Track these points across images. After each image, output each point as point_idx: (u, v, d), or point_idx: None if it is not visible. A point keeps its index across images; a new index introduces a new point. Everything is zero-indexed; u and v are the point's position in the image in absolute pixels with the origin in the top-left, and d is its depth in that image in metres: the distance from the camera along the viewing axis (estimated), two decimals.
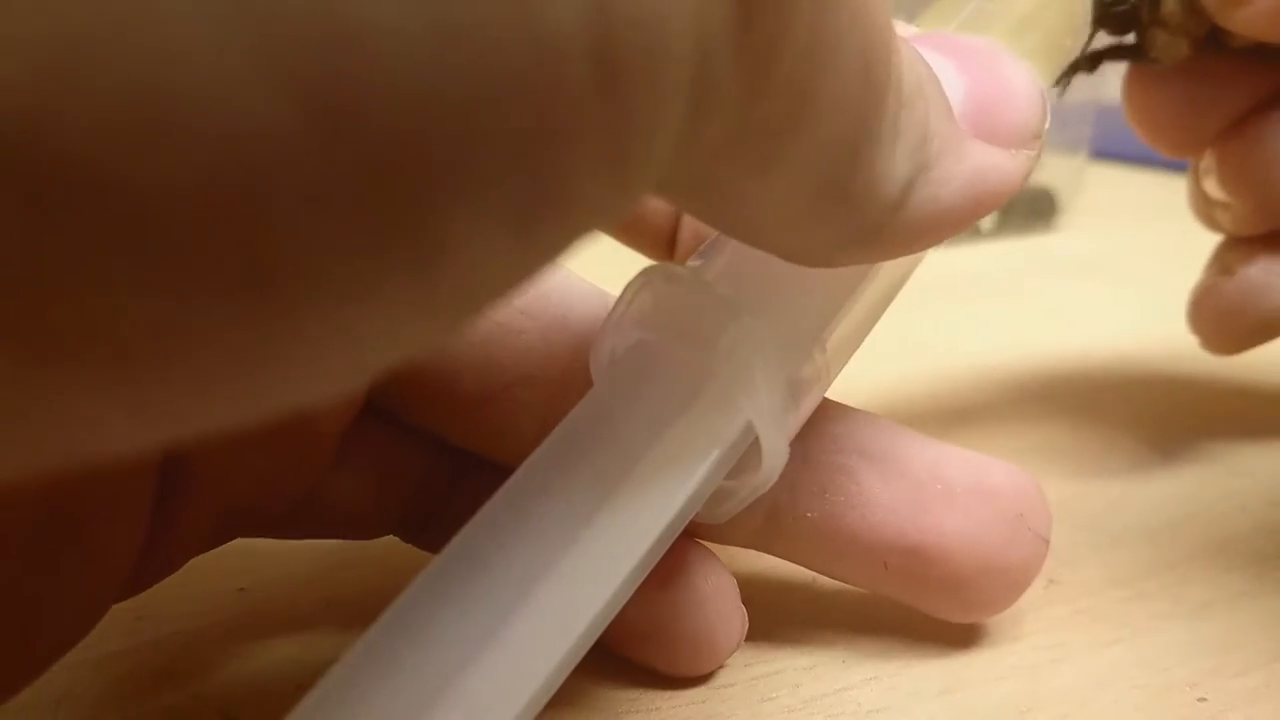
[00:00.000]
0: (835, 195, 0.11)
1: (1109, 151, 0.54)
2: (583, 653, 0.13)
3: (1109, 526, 0.21)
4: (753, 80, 0.09)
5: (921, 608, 0.17)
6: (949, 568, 0.16)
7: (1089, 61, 0.20)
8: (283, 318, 0.07)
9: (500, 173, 0.07)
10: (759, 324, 0.13)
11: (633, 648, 0.16)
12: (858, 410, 0.17)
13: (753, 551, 0.20)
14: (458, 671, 0.11)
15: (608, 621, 0.13)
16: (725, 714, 0.16)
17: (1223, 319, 0.23)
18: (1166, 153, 0.23)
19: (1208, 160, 0.23)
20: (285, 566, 0.20)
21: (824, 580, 0.19)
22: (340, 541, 0.21)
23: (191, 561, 0.16)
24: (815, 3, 0.09)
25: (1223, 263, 0.23)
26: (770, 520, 0.17)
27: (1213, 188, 0.23)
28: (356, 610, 0.18)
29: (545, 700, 0.12)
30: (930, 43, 0.14)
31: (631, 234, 0.21)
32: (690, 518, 0.14)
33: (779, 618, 0.18)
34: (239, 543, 0.17)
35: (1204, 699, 0.16)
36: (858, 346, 0.16)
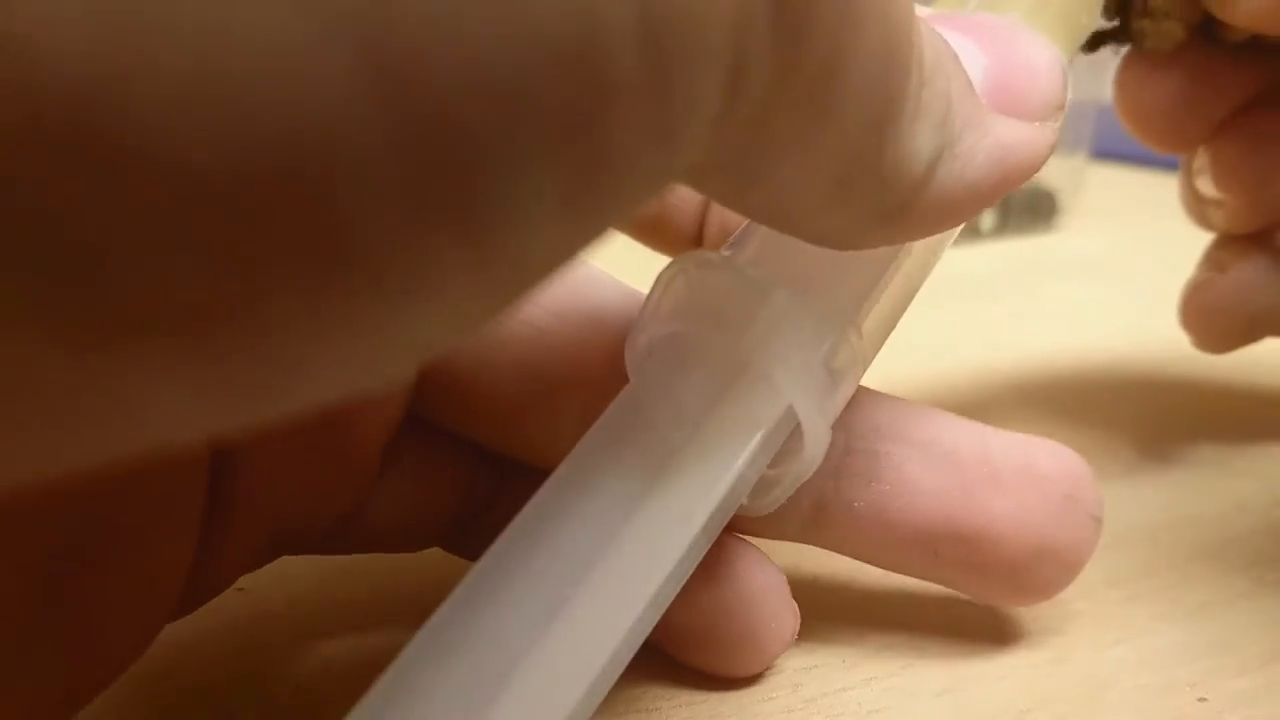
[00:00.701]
0: (861, 174, 0.11)
1: (1109, 151, 0.54)
2: (633, 649, 0.12)
3: (1109, 526, 0.21)
4: (784, 59, 0.09)
5: (976, 595, 0.17)
6: (1001, 552, 0.16)
7: (1088, 44, 0.20)
8: (345, 292, 0.07)
9: (552, 144, 0.07)
10: (794, 305, 0.13)
11: (682, 648, 0.16)
12: (897, 398, 0.17)
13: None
14: (511, 668, 0.12)
15: (657, 615, 0.13)
16: (725, 714, 0.16)
17: (1214, 316, 0.23)
18: (1159, 148, 0.23)
19: (1201, 158, 0.23)
20: (285, 566, 0.20)
21: (824, 581, 0.19)
22: None
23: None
24: None
25: (1215, 260, 0.23)
26: (817, 512, 0.16)
27: (1206, 186, 0.23)
28: (357, 610, 0.18)
29: (600, 696, 0.12)
30: (949, 22, 0.14)
31: (656, 235, 0.21)
32: (735, 507, 0.14)
33: None
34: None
35: (1204, 699, 0.16)
36: (891, 330, 0.16)
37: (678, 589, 0.13)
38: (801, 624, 0.18)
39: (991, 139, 0.13)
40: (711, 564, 0.15)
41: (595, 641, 0.12)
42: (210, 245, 0.06)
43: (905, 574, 0.17)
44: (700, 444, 0.13)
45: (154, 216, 0.06)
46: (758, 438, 0.13)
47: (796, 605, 0.16)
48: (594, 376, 0.16)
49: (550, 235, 0.08)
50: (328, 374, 0.08)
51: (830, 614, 0.18)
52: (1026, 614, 0.18)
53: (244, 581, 0.19)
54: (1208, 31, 0.20)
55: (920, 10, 0.15)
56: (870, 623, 0.18)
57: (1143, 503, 0.22)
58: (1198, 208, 0.23)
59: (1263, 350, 0.24)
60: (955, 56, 0.13)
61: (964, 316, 0.35)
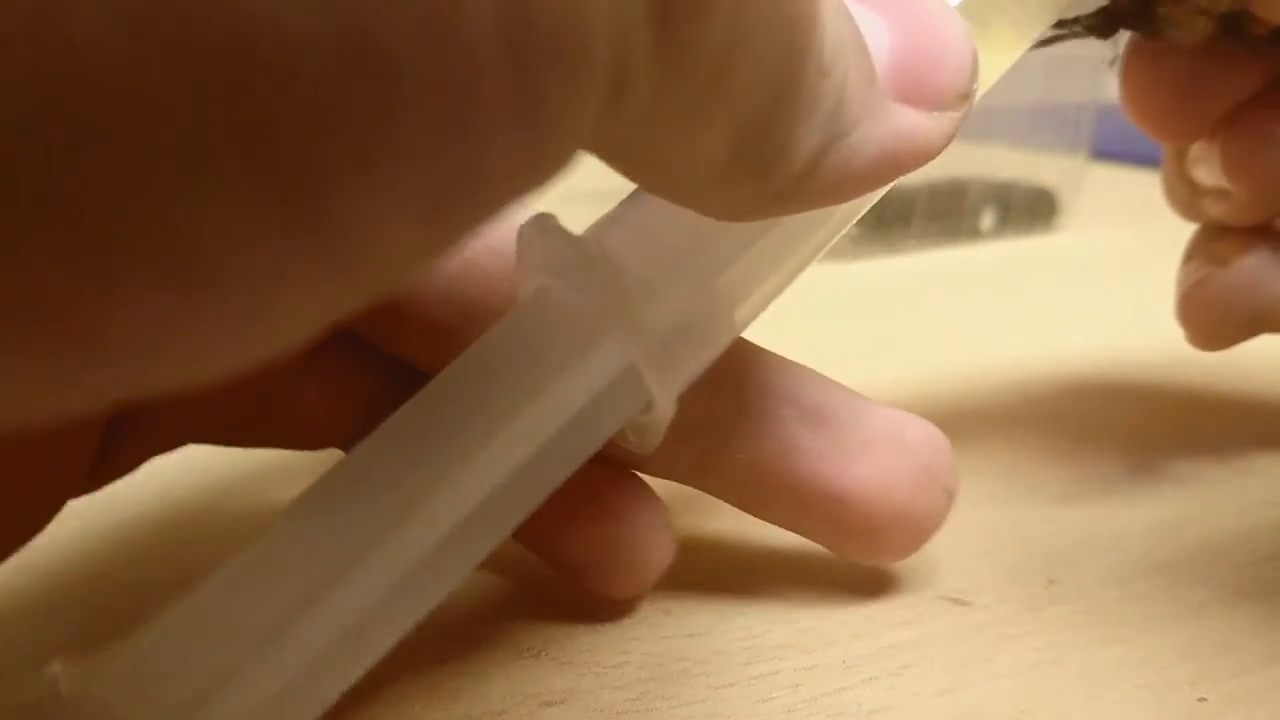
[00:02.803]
0: (747, 164, 0.12)
1: (1109, 151, 0.54)
2: (470, 560, 0.13)
3: (1108, 526, 0.21)
4: (669, 70, 0.09)
5: (834, 550, 0.18)
6: (863, 513, 0.17)
7: (1103, 23, 0.20)
8: (199, 299, 0.07)
9: (409, 167, 0.08)
10: (627, 269, 0.14)
11: (572, 575, 0.18)
12: (795, 364, 0.18)
13: (756, 556, 0.20)
14: (351, 567, 0.12)
15: (491, 539, 0.13)
16: (725, 714, 0.16)
17: (1217, 311, 0.22)
18: (1162, 139, 0.22)
19: (1199, 148, 0.22)
20: None
21: (824, 581, 0.19)
22: None
23: (192, 562, 0.16)
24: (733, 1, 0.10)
25: (1212, 253, 0.23)
26: (703, 457, 0.17)
27: (1206, 175, 0.22)
28: None
29: (428, 604, 0.13)
30: None
31: None
32: (579, 450, 0.14)
33: (779, 619, 0.18)
34: (239, 544, 0.17)
35: (1204, 699, 0.16)
36: (780, 288, 0.16)
37: (516, 521, 0.14)
38: (800, 625, 0.18)
39: (886, 129, 0.13)
40: (600, 499, 0.17)
41: (432, 553, 0.13)
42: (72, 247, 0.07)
43: (774, 524, 0.18)
44: (540, 395, 0.14)
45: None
46: (594, 388, 0.14)
47: (671, 533, 0.18)
48: None
49: (411, 246, 0.08)
50: (198, 359, 0.08)
51: (831, 615, 0.18)
52: (1026, 614, 0.18)
53: None
54: (1232, 23, 0.20)
55: None
56: (871, 623, 0.18)
57: (1142, 502, 0.22)
58: (1188, 198, 0.23)
59: (1262, 350, 0.24)
60: (860, 40, 0.12)
61: (964, 316, 0.35)
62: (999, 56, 0.17)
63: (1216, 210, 0.23)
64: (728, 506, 0.18)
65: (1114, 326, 0.34)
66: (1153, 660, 0.17)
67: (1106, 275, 0.40)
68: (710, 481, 0.18)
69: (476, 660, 0.17)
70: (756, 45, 0.10)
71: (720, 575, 0.19)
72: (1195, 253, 0.23)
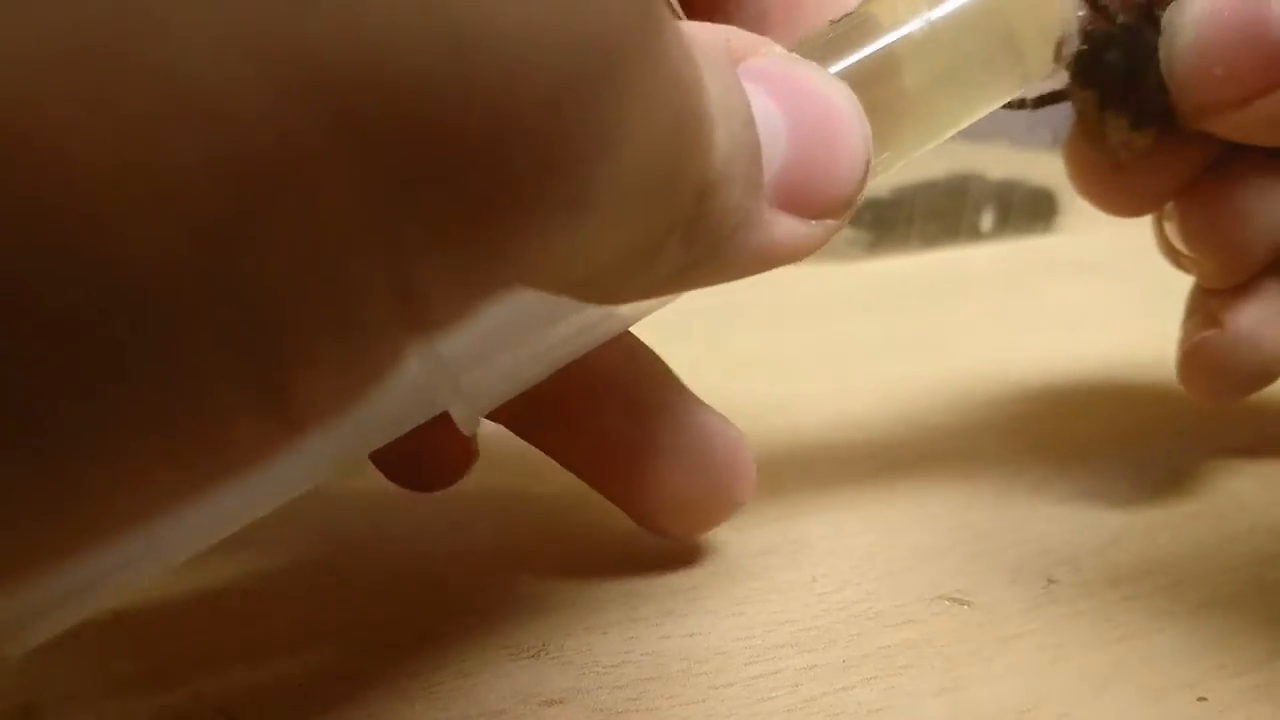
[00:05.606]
0: (619, 271, 0.12)
1: None
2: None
3: (1109, 526, 0.21)
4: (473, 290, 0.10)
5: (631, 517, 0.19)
6: (648, 509, 0.19)
7: (1035, 101, 0.20)
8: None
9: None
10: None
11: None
12: (645, 358, 0.19)
13: (755, 563, 0.20)
14: None
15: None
16: (725, 714, 0.16)
17: (1216, 377, 0.22)
18: (1111, 214, 0.22)
19: (1169, 211, 0.21)
20: (286, 567, 0.20)
21: (824, 581, 0.19)
22: (341, 542, 0.21)
23: (192, 561, 0.16)
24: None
25: (1208, 310, 0.22)
26: (532, 407, 0.18)
27: (1175, 239, 0.21)
28: (357, 610, 0.18)
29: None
30: (777, 83, 0.13)
31: None
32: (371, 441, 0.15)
33: (779, 618, 0.18)
34: (240, 543, 0.17)
35: (1204, 699, 0.16)
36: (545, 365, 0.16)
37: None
38: (800, 625, 0.18)
39: (761, 239, 0.13)
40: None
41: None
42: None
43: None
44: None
45: None
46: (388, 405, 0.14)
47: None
48: None
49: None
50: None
51: (830, 615, 0.18)
52: (1026, 614, 0.18)
53: (245, 582, 0.19)
54: (1167, 122, 0.19)
55: (766, 53, 0.14)
56: (870, 622, 0.18)
57: (1142, 502, 0.22)
58: (1172, 255, 0.22)
59: None
60: (755, 150, 0.12)
61: (963, 316, 0.35)
62: (923, 139, 0.17)
63: (1195, 272, 0.22)
64: None
65: (1114, 326, 0.34)
66: (1153, 660, 0.17)
67: (1106, 275, 0.40)
68: (524, 427, 0.19)
69: (477, 660, 0.17)
70: (631, 211, 0.10)
71: (720, 575, 0.19)
72: (1194, 308, 0.22)
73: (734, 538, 0.20)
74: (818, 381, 0.29)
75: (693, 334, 0.31)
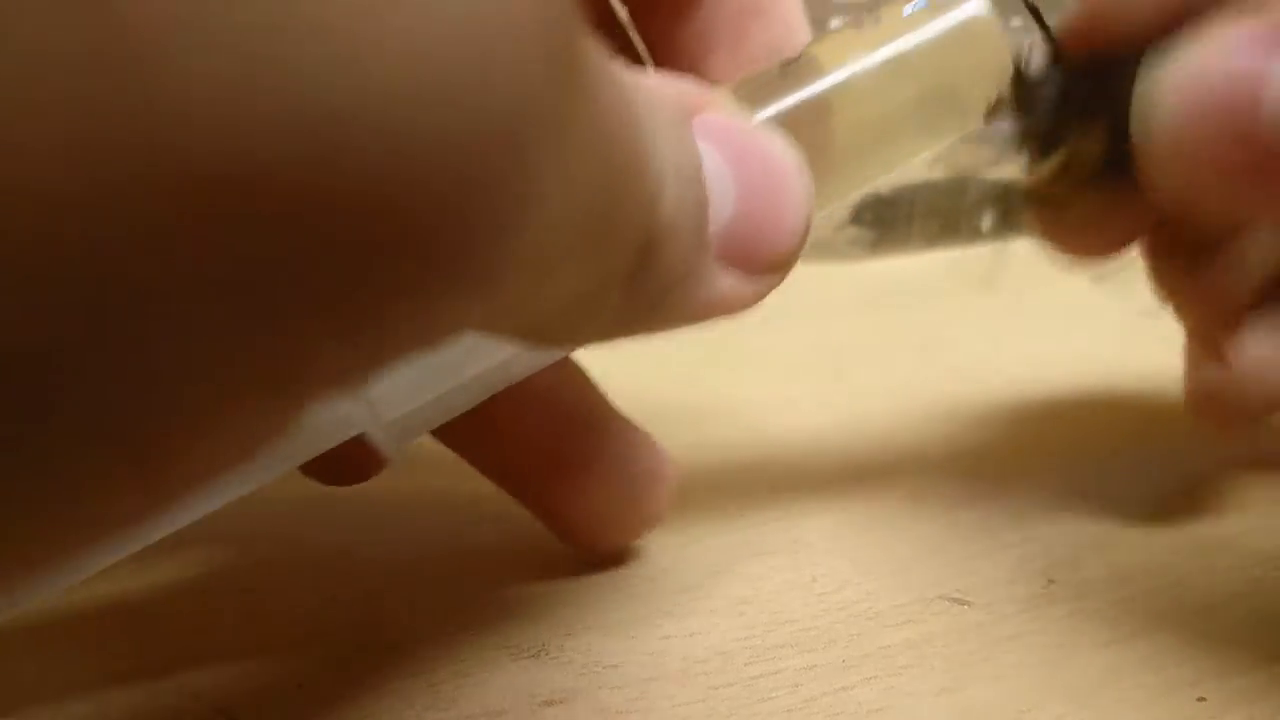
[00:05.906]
0: (560, 320, 0.12)
1: None
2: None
3: (1108, 526, 0.21)
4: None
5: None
6: (561, 520, 0.19)
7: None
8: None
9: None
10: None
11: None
12: (574, 368, 0.19)
13: (755, 563, 0.20)
14: None
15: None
16: (725, 714, 0.16)
17: (1225, 412, 0.21)
18: (1074, 259, 0.21)
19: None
20: (286, 566, 0.20)
21: (824, 581, 0.19)
22: (341, 542, 0.21)
23: (192, 561, 0.16)
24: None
25: (1211, 346, 0.21)
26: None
27: (1153, 289, 0.21)
28: (357, 610, 0.18)
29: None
30: (727, 139, 0.13)
31: None
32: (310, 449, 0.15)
33: (779, 618, 0.18)
34: (240, 544, 0.17)
35: (1204, 699, 0.16)
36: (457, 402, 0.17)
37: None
38: (800, 625, 0.18)
39: (704, 294, 0.13)
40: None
41: None
42: None
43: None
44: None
45: None
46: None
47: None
48: None
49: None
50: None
51: (830, 615, 0.18)
52: (1026, 614, 0.18)
53: (245, 581, 0.19)
54: (1114, 169, 0.17)
55: (724, 106, 0.14)
56: (870, 622, 0.18)
57: (1142, 502, 0.22)
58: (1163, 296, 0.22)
59: None
60: (702, 206, 0.12)
61: (963, 316, 0.35)
62: (856, 185, 0.17)
63: (1182, 323, 0.21)
64: (729, 507, 0.18)
65: (1114, 327, 0.34)
66: (1153, 660, 0.17)
67: (1106, 275, 0.40)
68: (444, 433, 0.18)
69: (477, 660, 0.17)
70: (560, 268, 0.10)
71: (720, 575, 0.19)
72: (1192, 341, 0.22)
73: (734, 538, 0.20)
74: (818, 381, 0.29)
75: (692, 334, 0.31)
